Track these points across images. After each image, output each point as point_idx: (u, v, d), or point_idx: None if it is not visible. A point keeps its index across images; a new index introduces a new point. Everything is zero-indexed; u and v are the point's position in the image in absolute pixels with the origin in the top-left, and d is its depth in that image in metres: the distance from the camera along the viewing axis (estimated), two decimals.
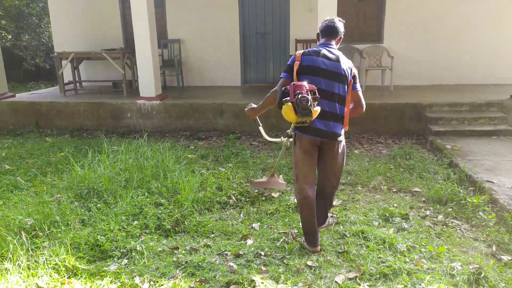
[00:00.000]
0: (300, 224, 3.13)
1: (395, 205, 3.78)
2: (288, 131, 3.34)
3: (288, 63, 2.93)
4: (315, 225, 3.02)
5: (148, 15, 6.60)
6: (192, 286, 2.62)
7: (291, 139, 3.27)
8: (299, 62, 2.84)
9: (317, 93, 2.70)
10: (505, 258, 2.88)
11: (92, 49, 8.39)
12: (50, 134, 6.69)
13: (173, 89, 8.17)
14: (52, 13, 8.95)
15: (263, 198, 4.00)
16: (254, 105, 3.25)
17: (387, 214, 3.52)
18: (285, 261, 2.89)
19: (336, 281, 2.61)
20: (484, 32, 7.58)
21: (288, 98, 2.68)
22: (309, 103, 2.60)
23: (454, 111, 6.23)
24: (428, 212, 3.64)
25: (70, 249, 2.94)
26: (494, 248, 3.02)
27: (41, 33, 14.05)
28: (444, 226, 3.38)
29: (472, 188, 4.03)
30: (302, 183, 2.97)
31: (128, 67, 8.10)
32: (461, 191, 3.86)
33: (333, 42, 2.95)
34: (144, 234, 3.30)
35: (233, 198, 3.98)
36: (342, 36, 2.98)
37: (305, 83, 2.70)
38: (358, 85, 2.95)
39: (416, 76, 7.91)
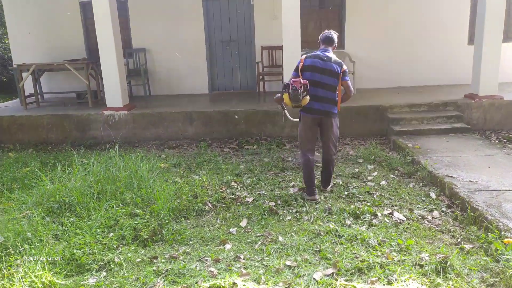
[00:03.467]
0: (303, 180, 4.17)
1: (364, 202, 3.96)
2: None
3: (296, 64, 3.98)
4: (313, 180, 4.06)
5: (112, 23, 6.53)
6: None
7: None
8: (302, 63, 3.93)
9: (309, 86, 3.76)
10: (468, 246, 3.10)
11: (53, 60, 8.16)
12: (13, 149, 6.45)
13: (140, 98, 8.09)
14: (9, 24, 8.61)
15: (238, 203, 4.08)
16: (279, 95, 4.03)
17: (357, 212, 3.69)
18: (264, 262, 2.97)
19: (314, 278, 2.72)
20: (438, 38, 8.06)
21: (286, 90, 3.78)
22: (299, 93, 3.68)
23: (413, 112, 6.57)
24: (395, 208, 3.84)
25: (46, 265, 2.89)
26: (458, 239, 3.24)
27: None
28: (411, 220, 3.58)
29: (436, 188, 4.29)
30: (304, 150, 4.11)
31: (93, 78, 7.94)
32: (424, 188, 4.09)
33: (330, 48, 4.02)
34: (121, 245, 3.29)
35: (209, 204, 4.03)
36: (336, 44, 4.08)
37: (301, 79, 3.75)
38: (347, 77, 3.99)
39: (377, 79, 8.25)
